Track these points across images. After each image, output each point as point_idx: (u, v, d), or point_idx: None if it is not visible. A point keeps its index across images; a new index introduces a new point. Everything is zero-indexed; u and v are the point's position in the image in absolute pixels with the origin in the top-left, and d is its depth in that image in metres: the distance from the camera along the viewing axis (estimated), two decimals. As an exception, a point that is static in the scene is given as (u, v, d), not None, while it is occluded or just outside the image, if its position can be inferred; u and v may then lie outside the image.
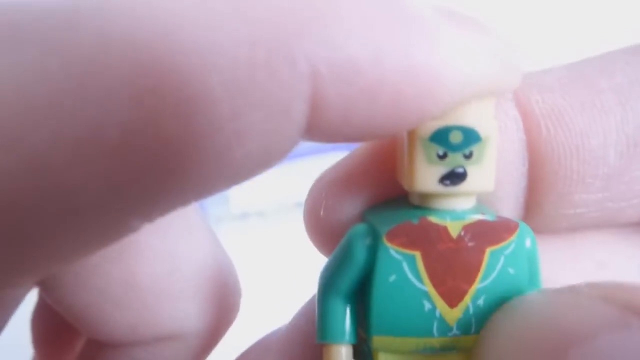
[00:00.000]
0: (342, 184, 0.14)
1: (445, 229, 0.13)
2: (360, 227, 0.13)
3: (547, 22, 0.65)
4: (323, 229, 0.15)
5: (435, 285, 0.13)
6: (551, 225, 0.15)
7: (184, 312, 0.15)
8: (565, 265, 0.15)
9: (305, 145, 0.50)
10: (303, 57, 0.10)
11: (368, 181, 0.15)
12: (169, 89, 0.10)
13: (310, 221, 0.15)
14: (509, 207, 0.15)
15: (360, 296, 0.13)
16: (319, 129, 0.11)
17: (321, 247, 0.15)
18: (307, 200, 0.15)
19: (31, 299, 0.18)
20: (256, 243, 0.45)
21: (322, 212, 0.14)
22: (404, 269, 0.13)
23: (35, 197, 0.09)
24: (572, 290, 0.12)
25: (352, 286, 0.13)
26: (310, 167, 0.48)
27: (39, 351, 0.18)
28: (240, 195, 0.48)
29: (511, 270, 0.13)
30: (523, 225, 0.13)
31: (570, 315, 0.11)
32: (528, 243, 0.13)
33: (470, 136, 0.12)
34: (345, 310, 0.13)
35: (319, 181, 0.15)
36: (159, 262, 0.14)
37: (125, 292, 0.14)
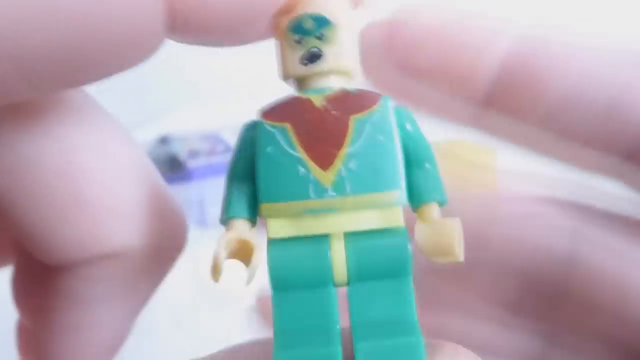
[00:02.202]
0: None
1: (309, 100, 0.14)
2: (247, 121, 0.15)
3: None
4: None
5: (307, 150, 0.14)
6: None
7: (128, 228, 0.15)
8: None
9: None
10: None
11: None
12: None
13: None
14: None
15: None
16: (178, 19, 0.13)
17: None
18: None
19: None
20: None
21: None
22: (278, 139, 0.14)
23: None
24: None
25: (247, 171, 0.14)
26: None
27: (20, 304, 0.18)
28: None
29: (380, 137, 0.14)
30: (400, 107, 0.14)
31: None
32: (409, 126, 0.14)
33: (320, 21, 0.14)
34: (242, 190, 0.14)
35: None
36: (102, 178, 0.15)
37: (71, 206, 0.15)
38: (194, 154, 0.48)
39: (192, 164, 0.48)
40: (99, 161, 0.15)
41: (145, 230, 0.16)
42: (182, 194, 0.49)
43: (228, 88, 0.55)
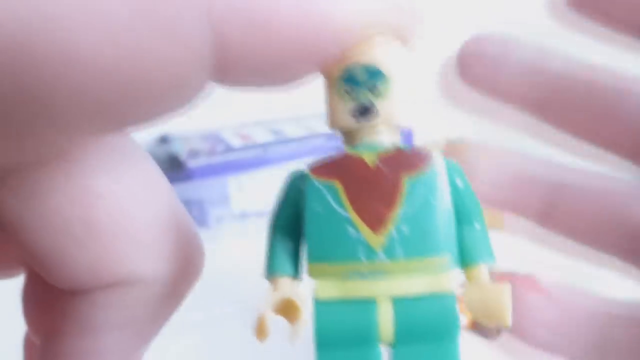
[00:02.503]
0: None
1: (361, 159, 0.14)
2: (292, 172, 0.15)
3: None
4: None
5: (357, 211, 0.13)
6: None
7: (143, 256, 0.15)
8: None
9: (306, 146, 0.51)
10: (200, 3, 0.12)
11: None
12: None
13: None
14: None
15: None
16: (226, 64, 0.13)
17: None
18: None
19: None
20: (256, 243, 0.45)
21: None
22: (327, 198, 0.14)
23: None
24: None
25: (291, 225, 0.14)
26: (310, 167, 0.48)
27: (28, 317, 0.18)
28: (240, 195, 0.48)
29: (433, 199, 0.13)
30: (452, 163, 0.14)
31: None
32: (459, 183, 0.14)
33: (374, 73, 0.14)
34: (287, 247, 0.14)
35: None
36: (117, 204, 0.15)
37: (85, 232, 0.15)
38: (194, 154, 0.48)
39: (192, 163, 0.48)
40: (114, 186, 0.15)
41: (161, 257, 0.16)
42: (182, 194, 0.49)
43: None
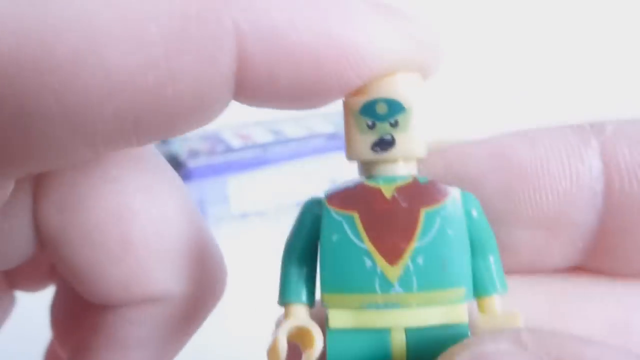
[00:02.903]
0: None
1: (379, 190, 0.14)
2: (309, 199, 0.15)
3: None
4: None
5: (374, 243, 0.14)
6: (623, 269, 0.16)
7: (172, 274, 0.16)
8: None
9: (305, 146, 0.51)
10: (228, 17, 0.12)
11: None
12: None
13: None
14: (566, 251, 0.16)
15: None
16: (248, 85, 0.13)
17: None
18: None
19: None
20: (256, 243, 0.45)
21: None
22: (345, 229, 0.14)
23: None
24: (517, 342, 0.12)
25: (306, 252, 0.14)
26: (309, 167, 0.49)
27: (56, 331, 0.19)
28: (240, 195, 0.48)
29: (450, 232, 0.14)
30: (467, 194, 0.14)
31: None
32: (474, 213, 0.14)
33: (395, 107, 0.14)
34: (301, 274, 0.14)
35: None
36: (151, 222, 0.16)
37: (121, 249, 0.15)
38: (194, 154, 0.48)
39: (192, 163, 0.48)
40: (148, 204, 0.16)
41: (187, 276, 0.16)
42: (182, 193, 0.49)
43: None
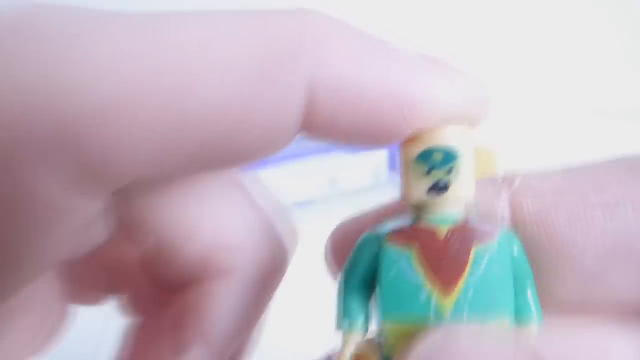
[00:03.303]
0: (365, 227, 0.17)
1: (434, 231, 0.15)
2: (367, 234, 0.16)
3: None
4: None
5: (430, 278, 0.15)
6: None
7: (240, 249, 0.18)
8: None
9: (305, 146, 0.50)
10: (302, 72, 0.14)
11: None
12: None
13: (335, 258, 0.18)
14: None
15: (375, 295, 0.16)
16: (310, 127, 0.15)
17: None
18: (332, 241, 0.18)
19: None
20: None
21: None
22: (403, 264, 0.15)
23: None
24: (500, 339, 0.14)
25: (363, 283, 0.16)
26: (310, 167, 0.48)
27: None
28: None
29: (497, 269, 0.15)
30: (510, 234, 0.16)
31: None
32: (516, 251, 0.15)
33: (450, 155, 0.15)
34: (360, 303, 0.16)
35: (346, 225, 0.18)
36: (222, 209, 0.18)
37: (195, 226, 0.17)
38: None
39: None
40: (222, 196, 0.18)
41: (258, 249, 0.18)
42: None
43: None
